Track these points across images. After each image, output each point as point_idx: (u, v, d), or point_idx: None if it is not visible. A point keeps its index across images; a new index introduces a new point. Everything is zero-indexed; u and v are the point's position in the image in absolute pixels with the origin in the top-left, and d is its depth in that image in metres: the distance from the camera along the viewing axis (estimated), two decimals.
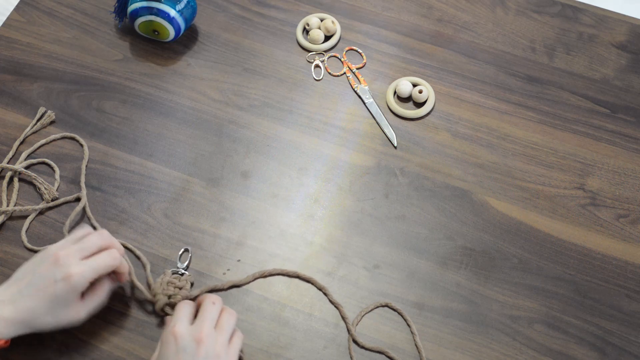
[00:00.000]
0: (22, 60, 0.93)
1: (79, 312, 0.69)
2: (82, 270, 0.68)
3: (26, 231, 0.81)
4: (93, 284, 0.72)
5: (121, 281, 0.74)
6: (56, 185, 0.84)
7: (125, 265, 0.74)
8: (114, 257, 0.71)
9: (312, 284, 0.79)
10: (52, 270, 0.67)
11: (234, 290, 0.78)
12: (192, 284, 0.78)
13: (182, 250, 0.80)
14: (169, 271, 0.77)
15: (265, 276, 0.79)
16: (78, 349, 0.74)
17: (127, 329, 0.75)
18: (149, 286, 0.77)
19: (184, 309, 0.70)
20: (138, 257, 0.79)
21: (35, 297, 0.67)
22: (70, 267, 0.68)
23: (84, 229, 0.74)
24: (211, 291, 0.77)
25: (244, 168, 0.86)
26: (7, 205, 0.82)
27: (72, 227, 0.81)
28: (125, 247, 0.80)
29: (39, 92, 0.91)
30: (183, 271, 0.78)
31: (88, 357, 0.74)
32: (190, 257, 0.79)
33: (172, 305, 0.75)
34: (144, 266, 0.78)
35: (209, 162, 0.86)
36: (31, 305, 0.67)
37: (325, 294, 0.78)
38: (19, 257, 0.79)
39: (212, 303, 0.70)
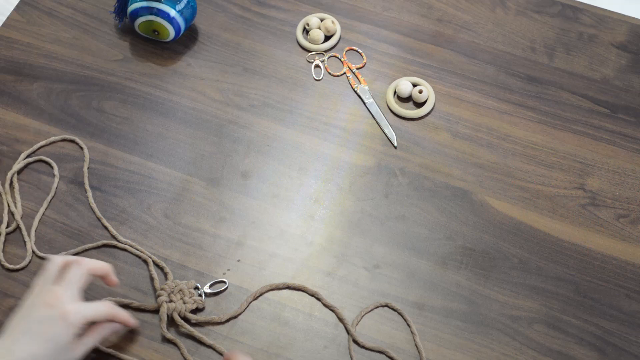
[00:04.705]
0: (22, 60, 0.93)
1: (75, 351, 0.69)
2: (77, 307, 0.67)
3: (35, 231, 0.81)
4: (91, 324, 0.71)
5: (112, 285, 0.73)
6: (56, 182, 0.84)
7: (122, 316, 0.72)
8: (109, 305, 0.71)
9: (304, 291, 0.78)
10: (47, 312, 0.66)
11: (235, 291, 0.78)
12: (201, 309, 0.76)
13: (219, 281, 0.78)
14: (192, 282, 0.77)
15: (257, 297, 0.77)
16: None
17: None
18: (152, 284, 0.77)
19: None
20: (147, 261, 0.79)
21: (34, 342, 0.65)
22: (64, 305, 0.66)
23: (54, 261, 0.70)
24: (207, 323, 0.75)
25: (244, 168, 0.86)
26: (15, 207, 0.82)
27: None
28: (131, 247, 0.80)
29: (39, 92, 0.91)
30: (203, 293, 0.77)
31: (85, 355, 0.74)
32: (222, 290, 0.77)
33: (170, 309, 0.74)
34: (158, 267, 0.79)
35: (209, 162, 0.86)
36: (30, 351, 0.65)
37: (318, 298, 0.78)
38: (19, 257, 0.79)
39: None
